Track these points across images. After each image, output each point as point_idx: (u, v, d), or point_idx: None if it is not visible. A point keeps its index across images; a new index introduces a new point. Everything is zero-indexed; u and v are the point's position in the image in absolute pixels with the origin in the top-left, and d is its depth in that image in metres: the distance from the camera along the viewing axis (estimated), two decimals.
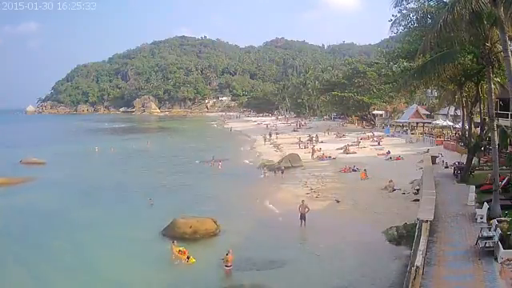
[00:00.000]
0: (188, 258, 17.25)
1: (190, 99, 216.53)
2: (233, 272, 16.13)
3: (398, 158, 39.11)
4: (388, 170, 32.50)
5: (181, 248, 17.76)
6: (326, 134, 65.30)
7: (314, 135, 60.33)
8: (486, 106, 22.20)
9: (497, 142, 18.51)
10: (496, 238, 12.80)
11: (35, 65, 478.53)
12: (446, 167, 28.79)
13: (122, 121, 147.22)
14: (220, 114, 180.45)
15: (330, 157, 42.99)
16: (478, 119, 26.75)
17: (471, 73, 22.63)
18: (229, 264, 16.04)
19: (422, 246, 12.10)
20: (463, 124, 27.54)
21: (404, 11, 22.47)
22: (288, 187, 30.46)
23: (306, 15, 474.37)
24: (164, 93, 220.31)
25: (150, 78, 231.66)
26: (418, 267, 10.57)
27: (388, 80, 50.12)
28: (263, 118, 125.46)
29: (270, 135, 68.22)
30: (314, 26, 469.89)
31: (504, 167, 22.09)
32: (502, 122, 27.83)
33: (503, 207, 16.68)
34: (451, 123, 48.95)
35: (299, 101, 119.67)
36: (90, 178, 36.89)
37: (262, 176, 35.58)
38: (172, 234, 20.00)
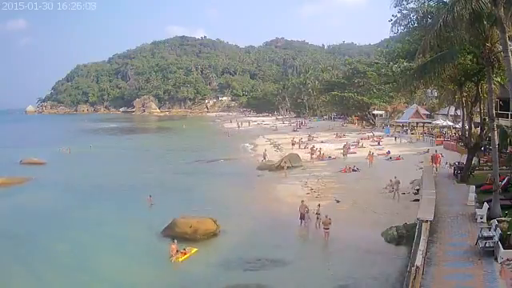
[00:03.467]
0: (179, 251, 17.55)
1: (190, 99, 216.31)
2: (233, 272, 16.16)
3: (397, 158, 39.10)
4: (388, 170, 32.50)
5: (181, 249, 17.81)
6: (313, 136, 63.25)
7: (315, 135, 60.25)
8: (485, 106, 22.17)
9: (497, 142, 18.51)
10: (496, 238, 12.80)
11: (34, 65, 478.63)
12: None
13: (122, 121, 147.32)
14: (219, 114, 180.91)
15: (330, 157, 42.99)
16: (478, 119, 26.73)
17: (471, 73, 22.61)
18: (326, 227, 17.70)
19: (422, 246, 12.11)
20: (463, 124, 27.52)
21: (404, 11, 22.47)
22: (288, 187, 30.44)
23: (307, 9, 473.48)
24: (164, 93, 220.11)
25: (150, 77, 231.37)
26: (417, 267, 10.57)
27: (388, 80, 50.09)
28: (263, 118, 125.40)
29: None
30: (314, 21, 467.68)
31: (504, 167, 22.10)
32: (502, 122, 27.82)
33: (503, 207, 16.70)
34: (451, 123, 48.93)
35: (299, 101, 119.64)
36: (90, 178, 36.90)
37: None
38: (172, 233, 20.00)
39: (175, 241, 18.03)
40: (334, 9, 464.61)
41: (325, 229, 18.90)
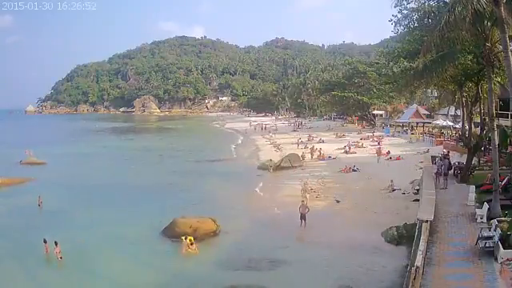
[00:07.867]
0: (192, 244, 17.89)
1: (190, 99, 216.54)
2: (233, 272, 16.15)
3: (398, 158, 39.10)
4: (388, 170, 32.50)
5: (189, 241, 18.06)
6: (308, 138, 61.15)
7: (315, 135, 60.24)
8: (486, 106, 22.18)
9: (497, 142, 18.51)
10: (496, 238, 12.80)
11: (34, 64, 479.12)
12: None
13: (122, 121, 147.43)
14: (219, 113, 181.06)
15: (330, 157, 42.97)
16: (478, 119, 26.73)
17: (471, 73, 22.60)
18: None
19: (422, 246, 12.09)
20: (463, 124, 27.53)
21: (404, 11, 22.49)
22: (288, 187, 30.42)
23: (307, 2, 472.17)
24: (164, 93, 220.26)
25: (150, 77, 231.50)
26: (418, 267, 10.56)
27: (388, 80, 50.05)
28: (263, 119, 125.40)
29: None
30: (314, 14, 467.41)
31: (504, 167, 22.10)
32: (502, 121, 27.81)
33: (503, 207, 16.68)
34: (451, 123, 48.93)
35: (299, 101, 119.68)
36: (90, 178, 36.85)
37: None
38: (172, 233, 20.01)
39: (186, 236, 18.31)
40: (334, 1, 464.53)
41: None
